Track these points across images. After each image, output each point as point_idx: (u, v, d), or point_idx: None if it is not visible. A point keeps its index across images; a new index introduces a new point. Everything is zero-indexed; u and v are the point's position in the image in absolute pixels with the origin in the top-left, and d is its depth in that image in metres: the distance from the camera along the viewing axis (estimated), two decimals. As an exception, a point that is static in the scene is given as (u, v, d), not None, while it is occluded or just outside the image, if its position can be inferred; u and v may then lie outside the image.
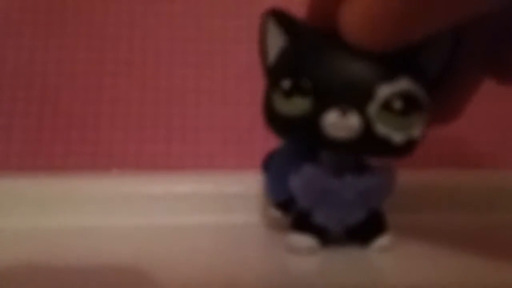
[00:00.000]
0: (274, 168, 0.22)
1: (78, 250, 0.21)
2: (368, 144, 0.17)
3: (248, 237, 0.24)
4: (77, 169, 0.28)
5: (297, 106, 0.17)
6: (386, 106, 0.17)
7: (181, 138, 0.30)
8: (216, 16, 0.32)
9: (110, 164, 0.29)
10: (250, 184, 0.27)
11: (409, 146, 0.18)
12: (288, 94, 0.18)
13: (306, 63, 0.18)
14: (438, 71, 0.18)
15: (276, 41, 0.20)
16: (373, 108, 0.17)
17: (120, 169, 0.29)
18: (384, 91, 0.16)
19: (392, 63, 0.17)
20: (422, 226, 0.24)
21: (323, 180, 0.19)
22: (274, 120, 0.19)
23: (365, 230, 0.20)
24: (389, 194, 0.20)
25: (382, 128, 0.17)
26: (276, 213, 0.22)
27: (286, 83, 0.18)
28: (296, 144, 0.21)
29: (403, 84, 0.17)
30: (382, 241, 0.20)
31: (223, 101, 0.31)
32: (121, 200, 0.26)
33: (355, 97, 0.17)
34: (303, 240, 0.20)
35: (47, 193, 0.25)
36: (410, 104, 0.17)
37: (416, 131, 0.17)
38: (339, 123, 0.16)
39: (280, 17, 0.19)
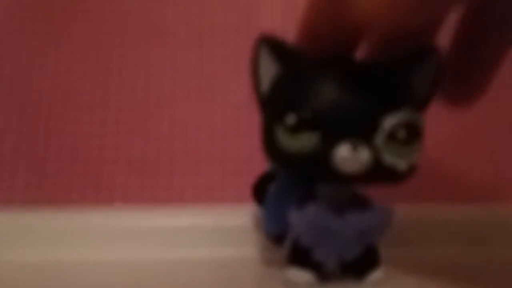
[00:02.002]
0: (271, 203, 0.22)
1: (80, 283, 0.21)
2: (376, 174, 0.17)
3: (247, 271, 0.24)
4: (80, 202, 0.29)
5: (304, 142, 0.17)
6: (392, 136, 0.17)
7: (182, 171, 0.31)
8: (217, 51, 0.34)
9: (113, 198, 0.29)
10: (249, 217, 0.27)
11: (411, 172, 0.18)
12: (294, 130, 0.17)
13: (308, 95, 0.17)
14: (426, 92, 0.19)
15: (270, 69, 0.19)
16: (379, 139, 0.17)
17: (122, 202, 0.29)
18: (390, 122, 0.17)
19: (394, 91, 0.17)
20: (416, 260, 0.24)
21: (326, 219, 0.19)
22: (279, 156, 0.18)
23: (360, 265, 0.21)
24: (386, 231, 0.20)
25: (389, 158, 0.17)
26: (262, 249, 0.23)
27: (291, 119, 0.17)
28: (293, 177, 0.21)
29: (406, 113, 0.17)
30: (376, 274, 0.21)
31: (222, 134, 0.32)
32: (122, 233, 0.26)
33: (363, 130, 0.17)
34: (301, 275, 0.20)
35: (50, 227, 0.26)
36: (412, 133, 0.17)
37: (416, 157, 0.18)
38: (351, 157, 0.16)
39: (272, 43, 0.19)
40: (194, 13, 0.34)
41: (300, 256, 0.20)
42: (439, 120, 0.33)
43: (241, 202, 0.29)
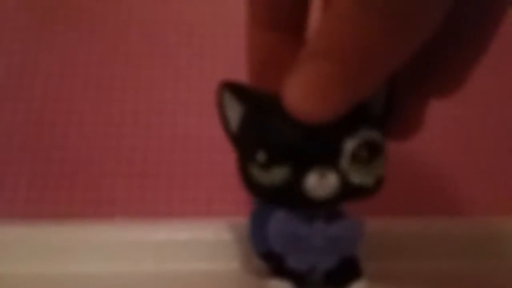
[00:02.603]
0: (253, 222, 0.23)
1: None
2: (346, 194, 0.18)
3: (248, 284, 0.24)
4: (80, 216, 0.29)
5: (276, 176, 0.18)
6: (355, 157, 0.18)
7: (182, 185, 0.31)
8: (219, 67, 0.34)
9: (113, 212, 0.30)
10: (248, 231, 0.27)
11: (378, 185, 0.19)
12: (266, 166, 0.18)
13: (272, 131, 0.18)
14: (383, 109, 0.19)
15: (236, 111, 0.20)
16: (344, 162, 0.18)
17: (123, 216, 0.29)
18: (350, 144, 0.18)
19: (351, 115, 0.17)
20: (405, 273, 0.25)
21: (294, 226, 0.20)
22: (256, 190, 0.19)
23: (339, 276, 0.21)
24: (359, 242, 0.21)
25: (356, 178, 0.18)
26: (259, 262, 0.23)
27: (261, 156, 0.18)
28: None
29: (364, 133, 0.18)
30: (357, 286, 0.21)
31: (222, 148, 0.32)
32: (123, 247, 0.26)
33: (327, 156, 0.18)
34: (279, 286, 0.21)
35: (51, 240, 0.26)
36: (374, 150, 0.18)
37: (382, 170, 0.19)
38: (320, 185, 0.17)
39: (234, 88, 0.20)
40: (196, 31, 0.35)
41: (278, 267, 0.21)
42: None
43: (241, 216, 0.30)
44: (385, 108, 0.20)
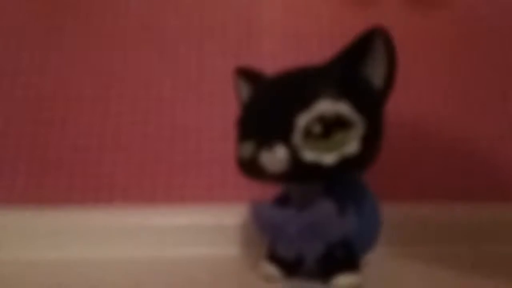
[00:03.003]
0: None
1: (80, 280, 0.22)
2: (300, 171, 0.18)
3: (247, 268, 0.24)
4: (80, 202, 0.29)
5: (245, 150, 0.19)
6: (308, 133, 0.18)
7: (182, 171, 0.31)
8: (217, 57, 0.34)
9: (112, 197, 0.29)
10: (247, 216, 0.27)
11: (346, 164, 0.18)
12: (240, 140, 0.20)
13: (245, 109, 0.20)
14: (382, 80, 0.19)
15: (244, 93, 0.22)
16: (297, 138, 0.18)
17: (122, 202, 0.29)
18: (303, 119, 0.17)
19: (308, 89, 0.18)
20: (419, 257, 0.25)
21: (268, 215, 0.20)
22: (238, 164, 0.21)
23: (329, 265, 0.20)
24: (340, 229, 0.20)
25: (309, 154, 0.18)
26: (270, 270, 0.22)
27: (238, 131, 0.20)
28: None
29: (321, 107, 0.17)
30: (344, 279, 0.20)
31: (222, 136, 0.32)
32: (122, 232, 0.26)
33: (278, 131, 0.18)
34: (269, 270, 0.21)
35: (51, 225, 0.27)
36: (332, 125, 0.17)
37: (350, 147, 0.18)
38: (269, 159, 0.18)
39: (246, 74, 0.22)
40: (194, 18, 0.35)
41: (269, 252, 0.22)
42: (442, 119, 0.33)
43: (241, 201, 0.30)
44: (386, 80, 0.19)
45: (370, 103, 0.18)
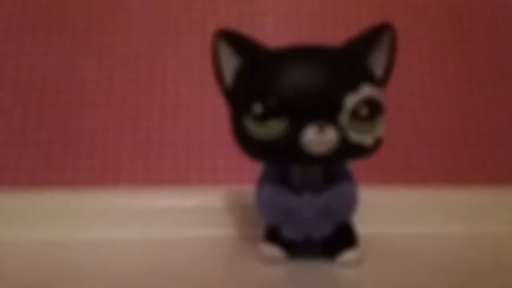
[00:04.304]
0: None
1: (86, 261, 0.22)
2: (344, 152, 0.18)
3: (252, 248, 0.25)
4: (86, 183, 0.29)
5: (273, 128, 0.18)
6: (355, 114, 0.18)
7: (186, 153, 0.31)
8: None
9: (118, 179, 0.30)
10: (251, 198, 0.27)
11: (377, 145, 0.19)
12: (262, 118, 0.18)
13: (272, 83, 0.18)
14: (384, 70, 0.20)
15: (231, 62, 0.20)
16: (344, 119, 0.18)
17: (128, 183, 0.30)
18: (351, 100, 0.17)
19: (353, 72, 0.18)
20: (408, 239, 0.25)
21: (283, 199, 0.20)
22: (250, 145, 0.19)
23: (334, 244, 0.21)
24: (353, 209, 0.21)
25: (355, 135, 0.18)
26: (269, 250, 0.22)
27: (257, 107, 0.18)
28: (271, 165, 0.21)
29: (366, 91, 0.18)
30: (349, 255, 0.20)
31: (226, 116, 0.32)
32: (128, 214, 0.27)
33: (327, 111, 0.18)
34: (271, 251, 0.21)
35: (57, 207, 0.27)
36: (374, 109, 0.18)
37: (380, 131, 0.19)
38: (318, 139, 0.17)
39: (231, 37, 0.20)
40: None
41: (271, 234, 0.21)
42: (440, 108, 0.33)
43: (245, 183, 0.30)
44: (387, 67, 0.20)
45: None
